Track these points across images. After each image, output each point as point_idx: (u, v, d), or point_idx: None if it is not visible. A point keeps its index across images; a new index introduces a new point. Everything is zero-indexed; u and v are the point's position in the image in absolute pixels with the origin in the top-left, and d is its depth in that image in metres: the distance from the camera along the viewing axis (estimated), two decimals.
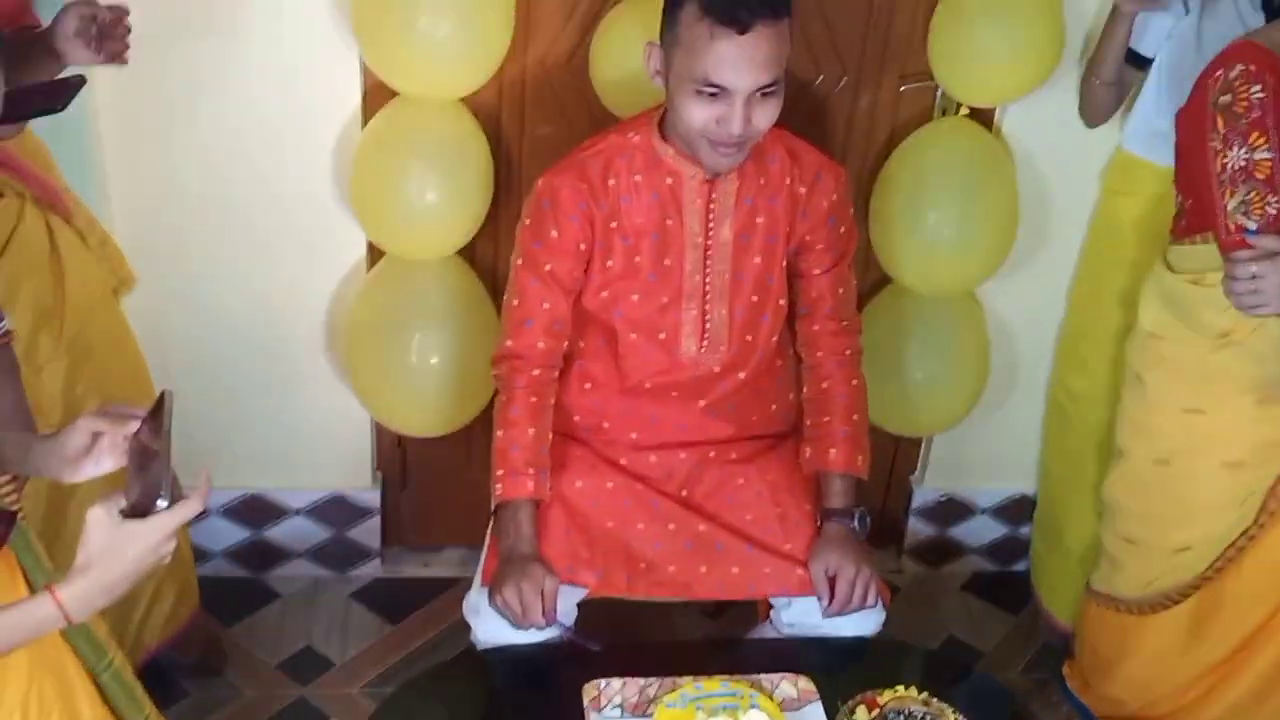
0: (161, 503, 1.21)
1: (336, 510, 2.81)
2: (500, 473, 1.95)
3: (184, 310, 2.51)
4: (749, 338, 2.04)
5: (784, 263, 2.01)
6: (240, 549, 2.81)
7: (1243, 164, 1.79)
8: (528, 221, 1.96)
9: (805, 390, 2.10)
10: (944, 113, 2.50)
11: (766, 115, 1.78)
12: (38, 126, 2.01)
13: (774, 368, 2.11)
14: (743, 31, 1.69)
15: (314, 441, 2.71)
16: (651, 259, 1.95)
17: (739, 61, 1.71)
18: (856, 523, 2.00)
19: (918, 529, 3.01)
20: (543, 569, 1.87)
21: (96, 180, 2.33)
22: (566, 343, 2.02)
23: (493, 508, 1.97)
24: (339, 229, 2.49)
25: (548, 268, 1.94)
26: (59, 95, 1.74)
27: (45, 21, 1.89)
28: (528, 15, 2.32)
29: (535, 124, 2.46)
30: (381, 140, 2.29)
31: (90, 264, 2.12)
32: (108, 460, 1.34)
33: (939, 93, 2.48)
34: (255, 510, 2.77)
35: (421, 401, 2.48)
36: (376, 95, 2.35)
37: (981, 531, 3.03)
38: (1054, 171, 2.57)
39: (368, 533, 2.85)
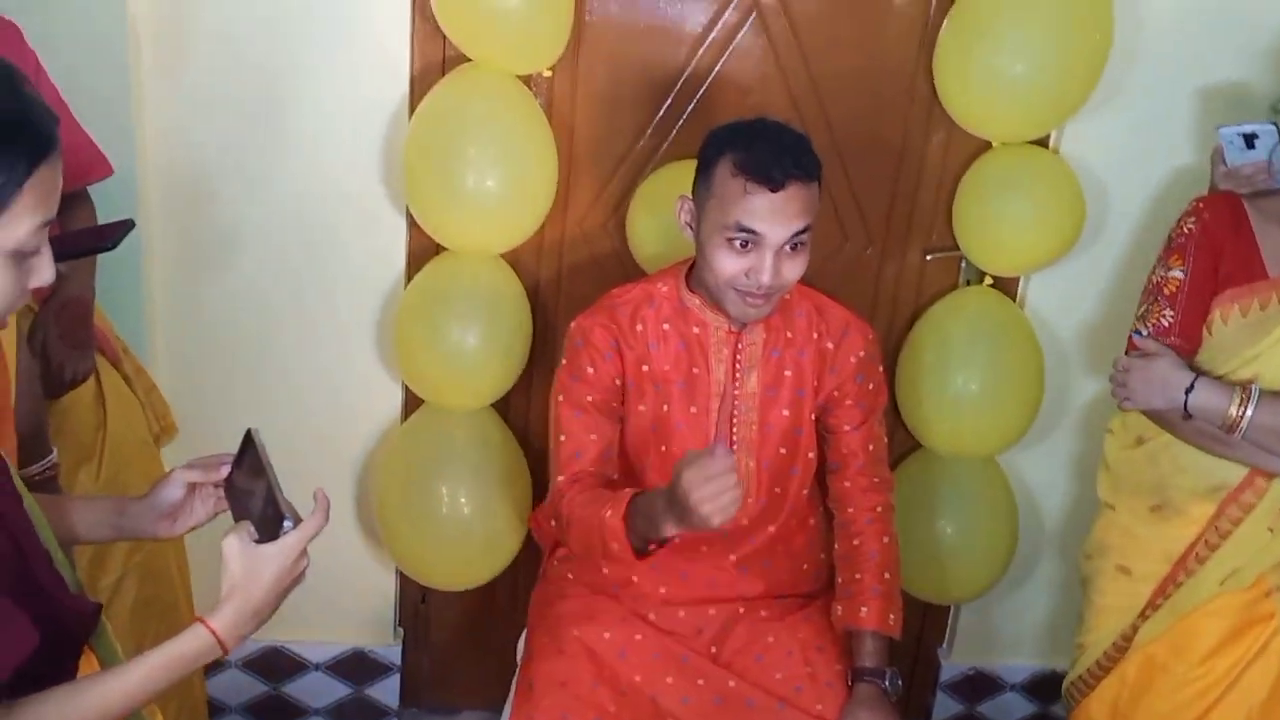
0: (288, 524, 1.27)
1: (356, 666, 2.77)
2: (606, 519, 1.76)
3: None
4: (778, 490, 2.05)
5: (812, 417, 2.04)
6: (258, 703, 2.76)
7: (1158, 280, 2.03)
8: (564, 361, 1.99)
9: (837, 547, 2.09)
10: (968, 282, 2.57)
11: (795, 268, 1.83)
12: None
13: (806, 525, 2.12)
14: (776, 190, 1.76)
15: (337, 595, 2.70)
16: (679, 407, 1.98)
17: (771, 213, 1.77)
18: (888, 683, 1.97)
19: (946, 705, 2.95)
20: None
21: (146, 326, 2.40)
22: (616, 473, 2.00)
23: (628, 540, 1.76)
24: (376, 381, 2.54)
25: (589, 399, 1.95)
26: (108, 235, 1.81)
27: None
28: (569, 177, 2.43)
29: (572, 281, 2.54)
30: (426, 293, 2.36)
31: (134, 409, 2.17)
32: (202, 509, 1.41)
33: (963, 262, 2.55)
34: (274, 664, 2.74)
35: (450, 553, 2.48)
36: (421, 250, 2.43)
37: (1011, 709, 2.96)
38: (1076, 342, 2.62)
39: (387, 691, 2.80)
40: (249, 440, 1.35)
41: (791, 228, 1.78)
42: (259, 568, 1.25)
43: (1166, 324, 1.99)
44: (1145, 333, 2.01)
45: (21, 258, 1.09)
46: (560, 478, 1.94)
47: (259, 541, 1.26)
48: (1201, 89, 2.41)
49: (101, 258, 1.97)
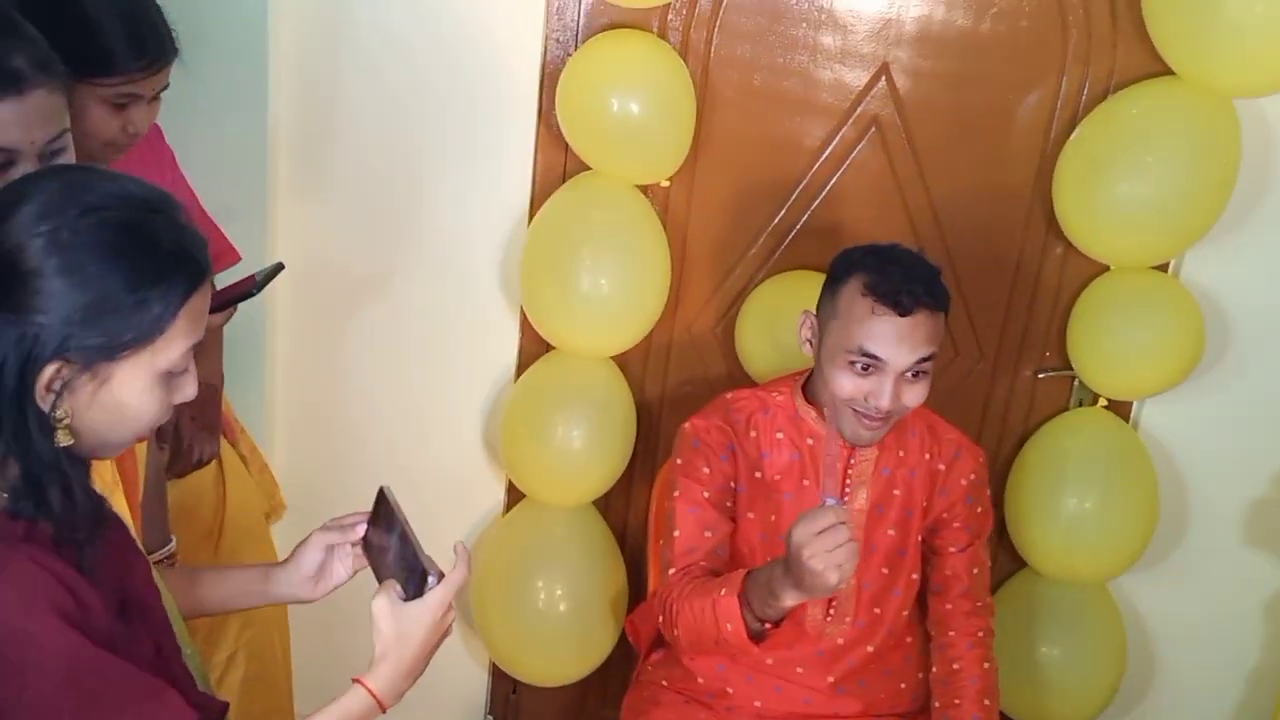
0: (433, 579, 1.30)
1: None
2: (720, 598, 1.75)
3: None
4: (877, 610, 2.02)
5: (919, 538, 2.02)
6: None
7: None
8: (679, 460, 1.99)
9: (935, 670, 2.06)
10: (1081, 402, 2.53)
11: (915, 395, 1.82)
12: None
13: (903, 644, 2.09)
14: (904, 315, 1.76)
15: (431, 680, 2.66)
16: (788, 518, 1.97)
17: (896, 338, 1.77)
18: None
19: None
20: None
21: (265, 410, 2.48)
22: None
23: (743, 619, 1.74)
24: (481, 473, 2.58)
25: (706, 494, 1.95)
26: (249, 282, 1.87)
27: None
28: (680, 283, 2.46)
29: (678, 383, 2.56)
30: (535, 391, 2.40)
31: (251, 488, 2.24)
32: (342, 569, 1.46)
33: (1076, 382, 2.52)
34: None
35: (544, 648, 2.49)
36: (532, 349, 2.48)
37: None
38: (1193, 468, 2.56)
39: None
40: (382, 497, 1.39)
41: (915, 355, 1.78)
42: (409, 628, 1.28)
43: None
44: None
45: (171, 378, 1.14)
46: (672, 571, 1.92)
47: (405, 598, 1.29)
48: None
49: (232, 351, 2.05)
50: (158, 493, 1.93)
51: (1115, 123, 2.23)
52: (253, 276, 1.86)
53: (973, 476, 2.01)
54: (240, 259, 2.13)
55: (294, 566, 1.46)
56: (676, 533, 1.95)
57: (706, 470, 1.95)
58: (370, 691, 1.27)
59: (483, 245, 2.44)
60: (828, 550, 1.54)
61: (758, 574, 1.73)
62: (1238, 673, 2.71)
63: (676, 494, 1.97)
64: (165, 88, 1.76)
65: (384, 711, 1.29)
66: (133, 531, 1.28)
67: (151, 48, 1.68)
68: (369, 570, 1.44)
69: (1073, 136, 2.29)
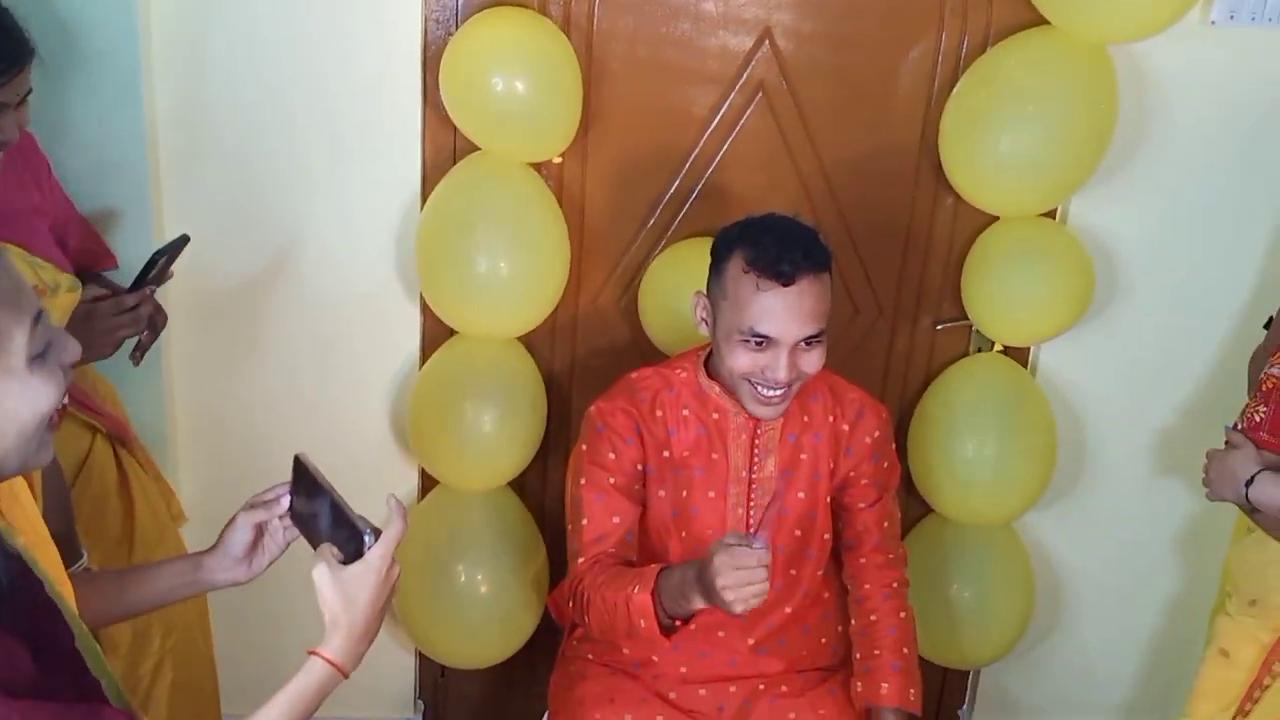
0: (369, 539, 1.28)
1: None
2: (634, 595, 1.78)
3: None
4: (793, 572, 2.06)
5: (828, 499, 2.05)
6: None
7: (1263, 377, 1.99)
8: (584, 446, 2.00)
9: (854, 623, 2.10)
10: (979, 350, 2.59)
11: (813, 361, 1.84)
12: (105, 368, 2.10)
13: (821, 601, 2.13)
14: (787, 284, 1.77)
15: (358, 669, 2.70)
16: (699, 493, 2.00)
17: (784, 313, 1.78)
18: None
19: None
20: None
21: (165, 414, 2.43)
22: (635, 556, 1.99)
23: (656, 617, 1.77)
24: (392, 462, 2.56)
25: (612, 481, 1.96)
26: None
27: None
28: (580, 259, 2.45)
29: (586, 359, 2.56)
30: (440, 376, 2.39)
31: (155, 494, 2.20)
32: (273, 544, 1.44)
33: (973, 331, 2.57)
34: None
35: (468, 632, 2.49)
36: (434, 334, 2.46)
37: None
38: (1090, 408, 2.64)
39: None
40: (299, 465, 1.37)
41: (806, 329, 1.79)
42: (354, 590, 1.27)
43: (1258, 420, 1.98)
44: (1238, 426, 2.01)
45: (40, 360, 1.09)
46: (581, 560, 1.95)
47: (344, 561, 1.28)
48: (1210, 159, 2.43)
49: (124, 359, 2.01)
50: (61, 508, 1.89)
51: (994, 75, 2.27)
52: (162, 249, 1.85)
53: (877, 434, 2.05)
54: (117, 264, 2.09)
55: (223, 551, 1.43)
56: (584, 521, 1.96)
57: (612, 456, 1.96)
58: (328, 661, 1.25)
59: (376, 233, 2.41)
60: (742, 585, 1.59)
61: (670, 574, 1.76)
62: (1151, 602, 2.81)
63: (583, 482, 1.98)
64: (29, 91, 1.71)
65: (347, 677, 1.27)
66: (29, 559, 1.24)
67: (4, 53, 1.64)
68: (281, 561, 1.44)
69: (954, 91, 2.33)
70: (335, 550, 1.29)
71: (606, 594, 1.83)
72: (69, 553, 1.88)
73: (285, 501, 1.42)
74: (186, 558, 1.49)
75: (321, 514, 1.33)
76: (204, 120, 2.31)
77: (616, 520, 1.95)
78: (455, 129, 2.28)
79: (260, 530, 1.44)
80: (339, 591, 1.26)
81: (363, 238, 2.41)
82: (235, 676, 2.40)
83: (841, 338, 2.54)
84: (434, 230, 2.27)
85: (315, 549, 1.32)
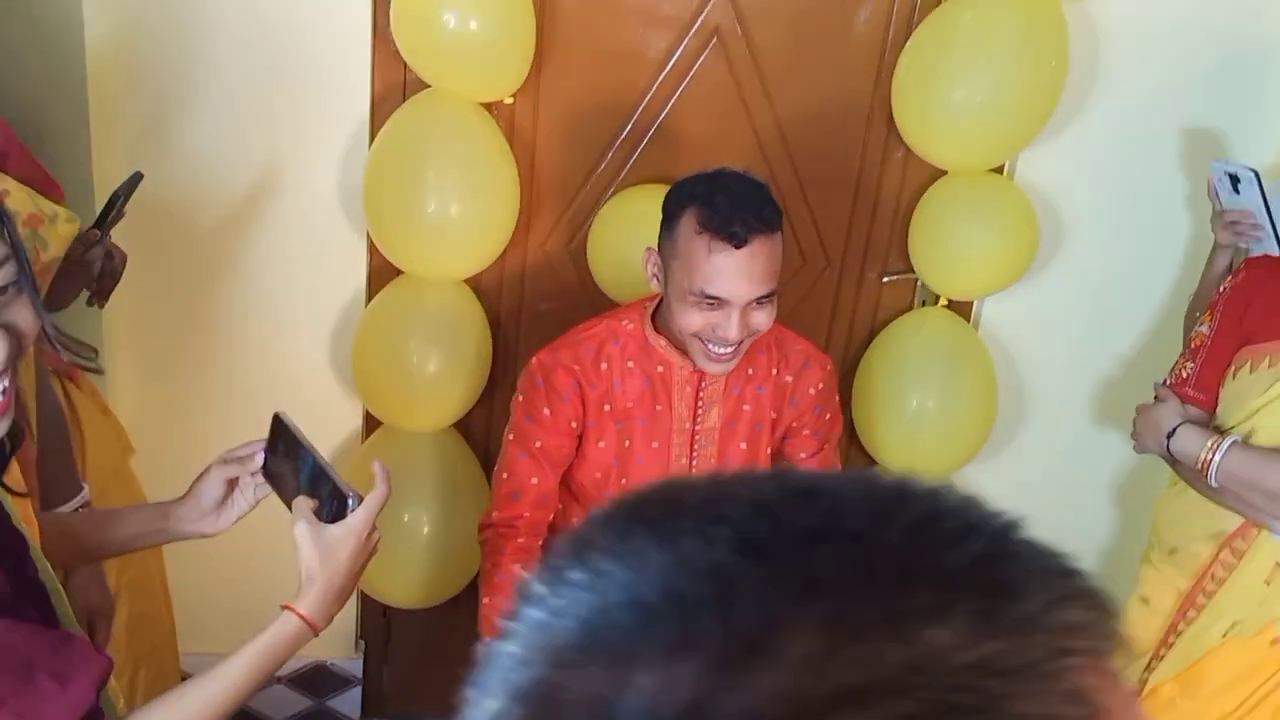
0: (353, 502, 1.30)
1: (318, 679, 2.79)
2: (488, 639, 1.93)
3: (178, 479, 2.53)
4: None
5: (769, 450, 2.07)
6: None
7: (1193, 333, 2.08)
8: (520, 398, 2.01)
9: None
10: (924, 303, 2.61)
11: (762, 320, 1.84)
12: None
13: None
14: (740, 246, 1.76)
15: None
16: (642, 443, 2.01)
17: (736, 275, 1.77)
18: None
19: None
20: None
21: (105, 349, 2.39)
22: (553, 514, 2.05)
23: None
24: (336, 402, 2.54)
25: (538, 444, 1.98)
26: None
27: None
28: (530, 203, 2.44)
29: (534, 303, 2.55)
30: (385, 316, 2.37)
31: (104, 426, 2.17)
32: (243, 500, 1.43)
33: (918, 284, 2.59)
34: None
35: (411, 573, 2.49)
36: (381, 273, 2.44)
37: None
38: (1032, 362, 2.67)
39: (348, 703, 2.82)
40: (279, 423, 1.38)
41: (758, 290, 1.79)
42: (334, 550, 1.28)
43: (1185, 375, 2.06)
44: (1167, 381, 2.09)
45: None
46: (495, 513, 2.01)
47: (330, 521, 1.30)
48: (1156, 116, 2.45)
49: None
50: (61, 440, 1.87)
51: (948, 28, 2.27)
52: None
53: (821, 385, 2.06)
54: (63, 196, 2.04)
55: (194, 502, 1.43)
56: (505, 475, 2.00)
57: (547, 412, 1.97)
58: (301, 616, 1.27)
59: (323, 169, 2.37)
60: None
61: None
62: (1086, 552, 2.87)
63: (511, 437, 2.00)
64: None
65: (316, 635, 1.29)
66: (7, 505, 1.23)
67: None
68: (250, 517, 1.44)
69: (908, 43, 2.32)
70: (313, 504, 1.31)
71: (502, 575, 1.93)
72: (69, 488, 1.87)
73: (259, 459, 1.42)
74: (156, 506, 1.49)
75: (302, 471, 1.33)
76: (143, 50, 2.25)
77: (534, 481, 1.99)
78: (406, 65, 2.25)
79: (232, 485, 1.44)
80: (319, 550, 1.28)
81: (308, 173, 2.37)
82: (190, 616, 2.40)
83: (788, 288, 2.55)
84: (382, 168, 2.24)
85: (289, 507, 1.33)
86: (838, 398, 2.13)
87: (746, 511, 0.40)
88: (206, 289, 2.45)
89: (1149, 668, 2.14)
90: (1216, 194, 2.11)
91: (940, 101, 2.26)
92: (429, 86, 2.25)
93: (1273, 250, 2.07)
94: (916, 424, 2.51)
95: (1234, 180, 2.05)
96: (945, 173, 2.44)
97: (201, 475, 1.44)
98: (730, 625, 0.37)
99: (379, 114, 2.33)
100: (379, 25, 2.28)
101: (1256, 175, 2.01)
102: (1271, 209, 2.03)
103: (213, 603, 2.59)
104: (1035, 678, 0.37)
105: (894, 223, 2.54)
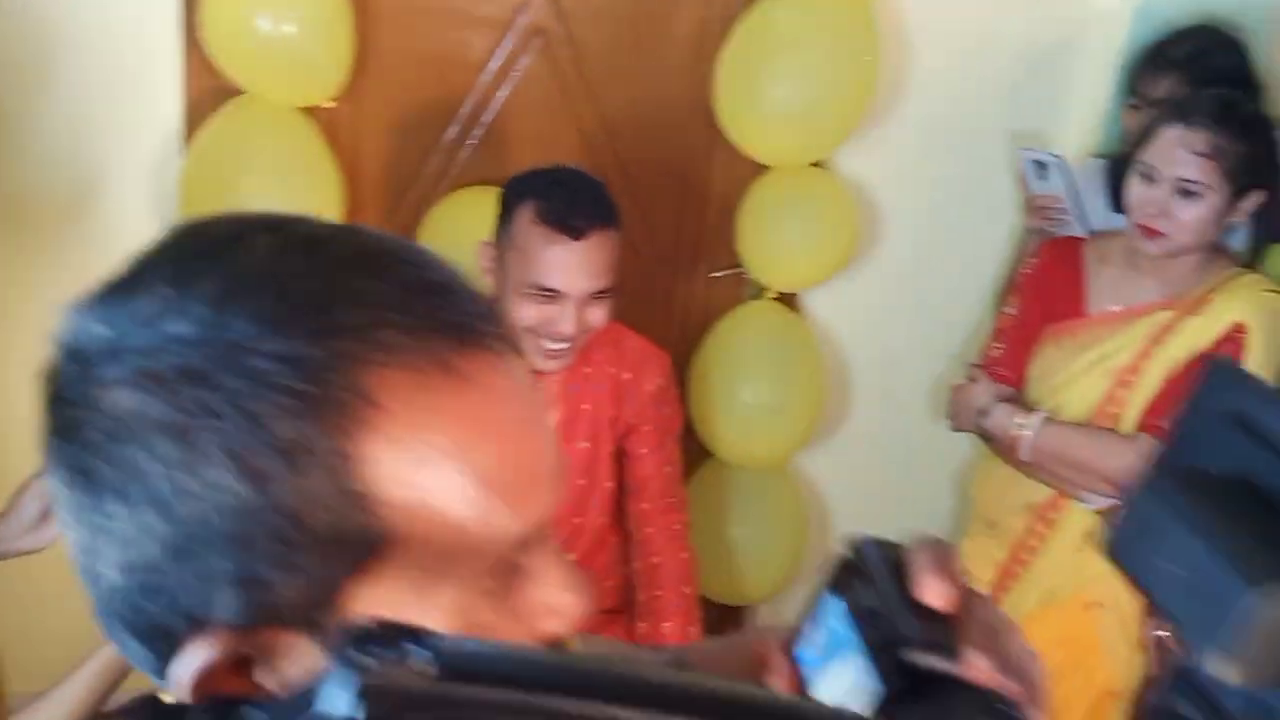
0: None
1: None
2: None
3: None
4: (577, 520, 2.08)
5: (611, 447, 2.08)
6: None
7: (999, 315, 2.20)
8: None
9: (636, 564, 2.15)
10: (753, 297, 2.66)
11: (598, 316, 1.85)
12: None
13: (606, 546, 2.16)
14: (577, 238, 1.77)
15: None
16: None
17: (573, 267, 1.78)
18: None
19: None
20: None
21: None
22: None
23: None
24: None
25: None
26: None
27: None
28: (354, 206, 2.38)
29: None
30: None
31: None
32: None
33: (748, 278, 2.64)
34: None
35: None
36: None
37: None
38: (859, 350, 2.75)
39: None
40: None
41: (594, 284, 1.80)
42: None
43: (995, 356, 2.16)
44: (978, 363, 2.18)
45: None
46: None
47: None
48: (967, 108, 2.55)
49: None
50: None
51: (764, 28, 2.31)
52: None
53: (659, 381, 2.08)
54: None
55: (14, 518, 1.36)
56: None
57: None
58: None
59: (135, 180, 2.27)
60: None
61: None
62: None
63: None
64: None
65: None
66: None
67: None
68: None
69: (727, 43, 2.36)
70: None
71: None
72: None
73: None
74: None
75: None
76: None
77: None
78: (218, 71, 2.17)
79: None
80: None
81: (119, 186, 2.27)
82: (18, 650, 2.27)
83: (621, 286, 2.56)
84: (198, 179, 2.16)
85: None
86: (676, 393, 2.15)
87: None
88: (17, 306, 2.31)
89: None
90: (1026, 181, 2.20)
91: (759, 99, 2.31)
92: (244, 93, 2.18)
93: (1078, 232, 2.19)
94: (750, 415, 2.56)
95: (1041, 167, 2.15)
96: (769, 168, 2.49)
97: (20, 489, 1.37)
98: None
99: (193, 121, 2.24)
100: (190, 28, 2.19)
101: (1063, 161, 2.12)
102: (1079, 193, 2.14)
103: (41, 631, 2.46)
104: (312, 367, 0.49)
105: (721, 219, 2.58)
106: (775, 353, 2.57)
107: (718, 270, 2.63)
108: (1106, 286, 2.05)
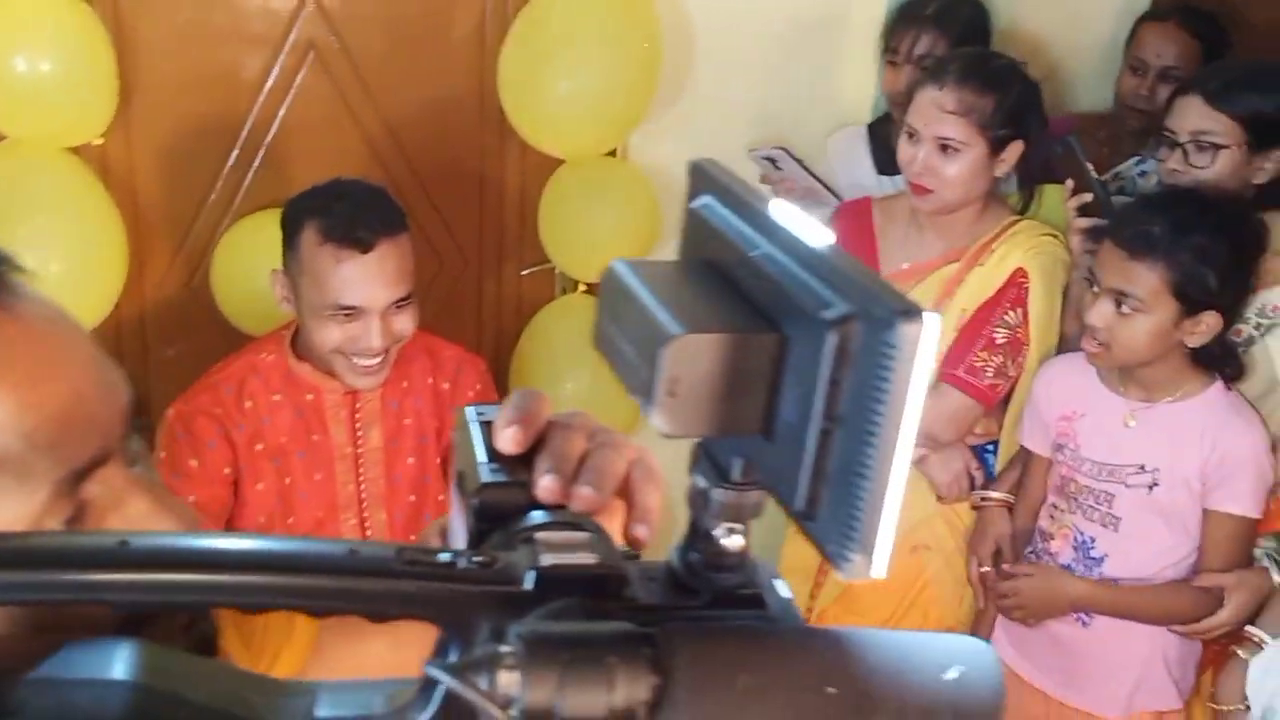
0: None
1: None
2: None
3: None
4: (413, 538, 2.06)
5: (438, 460, 2.06)
6: None
7: None
8: (163, 454, 1.88)
9: None
10: (564, 291, 2.67)
11: (404, 324, 1.83)
12: None
13: None
14: (367, 250, 1.74)
15: None
16: (303, 477, 1.94)
17: (368, 280, 1.75)
18: None
19: None
20: None
21: None
22: None
23: None
24: None
25: (191, 499, 1.87)
26: None
27: None
28: (138, 242, 2.29)
29: (159, 349, 2.41)
30: None
31: None
32: None
33: (556, 272, 2.65)
34: None
35: None
36: None
37: None
38: None
39: None
40: None
41: (393, 293, 1.77)
42: None
43: None
44: None
45: None
46: None
47: None
48: (753, 86, 2.60)
49: None
50: None
51: (543, 21, 2.31)
52: None
53: (479, 387, 2.07)
54: None
55: None
56: None
57: (194, 463, 1.87)
58: None
59: None
60: None
61: None
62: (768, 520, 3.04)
63: None
64: None
65: None
66: None
67: None
68: None
69: (507, 38, 2.35)
70: None
71: None
72: None
73: None
74: None
75: None
76: None
77: None
78: None
79: None
80: None
81: None
82: None
83: (429, 293, 2.53)
84: None
85: None
86: (496, 397, 2.14)
87: None
88: None
89: (813, 595, 2.30)
90: (767, 178, 2.28)
91: (544, 92, 2.31)
92: (5, 138, 2.07)
93: (832, 202, 2.28)
94: (576, 407, 2.56)
95: (772, 161, 2.24)
96: (563, 161, 2.50)
97: None
98: None
99: None
100: None
101: (784, 153, 2.20)
102: (812, 171, 2.23)
103: None
104: None
105: (523, 215, 2.58)
106: (588, 347, 2.57)
107: (526, 268, 2.63)
108: (895, 246, 2.13)
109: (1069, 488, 1.93)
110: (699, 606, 0.49)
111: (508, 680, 0.43)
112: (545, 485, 0.54)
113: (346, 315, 1.77)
